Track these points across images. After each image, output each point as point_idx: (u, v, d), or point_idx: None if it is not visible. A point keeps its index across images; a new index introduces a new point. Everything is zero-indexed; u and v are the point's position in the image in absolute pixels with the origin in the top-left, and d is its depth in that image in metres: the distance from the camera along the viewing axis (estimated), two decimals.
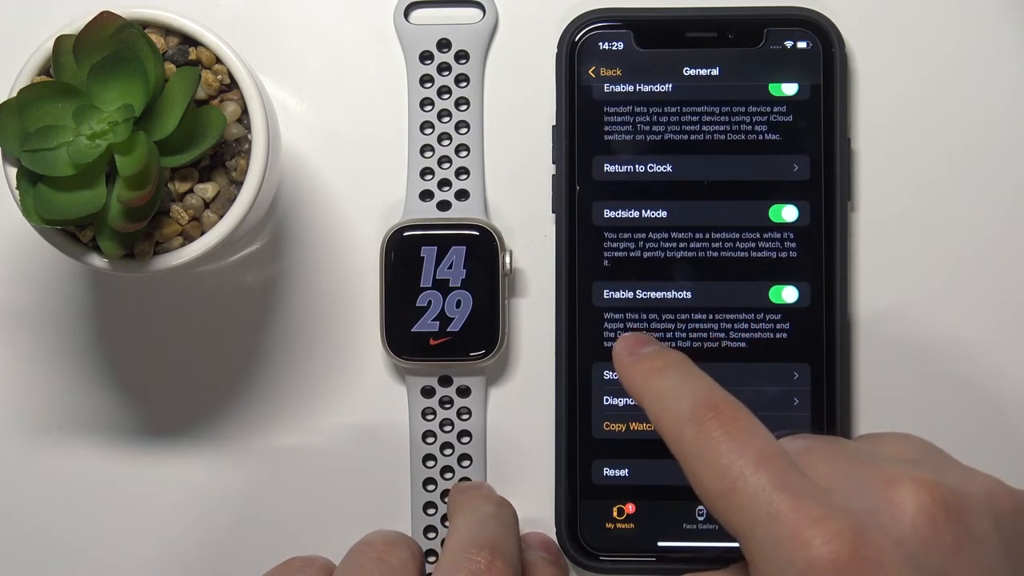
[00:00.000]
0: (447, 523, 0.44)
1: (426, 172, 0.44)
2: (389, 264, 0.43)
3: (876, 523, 0.31)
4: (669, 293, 0.43)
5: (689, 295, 0.43)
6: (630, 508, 0.43)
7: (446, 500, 0.43)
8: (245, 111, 0.39)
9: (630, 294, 0.43)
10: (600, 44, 0.44)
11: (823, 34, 0.43)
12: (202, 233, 0.39)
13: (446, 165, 0.44)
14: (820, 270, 0.43)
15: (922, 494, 0.32)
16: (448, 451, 0.44)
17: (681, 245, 0.43)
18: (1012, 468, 0.40)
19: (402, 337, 0.43)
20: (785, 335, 0.43)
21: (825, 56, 0.43)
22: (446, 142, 0.44)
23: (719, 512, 0.33)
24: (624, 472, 0.43)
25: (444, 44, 0.44)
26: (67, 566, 0.45)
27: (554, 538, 0.43)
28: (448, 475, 0.44)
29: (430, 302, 0.43)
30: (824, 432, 0.43)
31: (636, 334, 0.38)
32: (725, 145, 0.43)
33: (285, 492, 0.45)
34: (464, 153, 0.44)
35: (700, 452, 0.33)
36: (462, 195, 0.44)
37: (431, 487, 0.44)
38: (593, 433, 0.43)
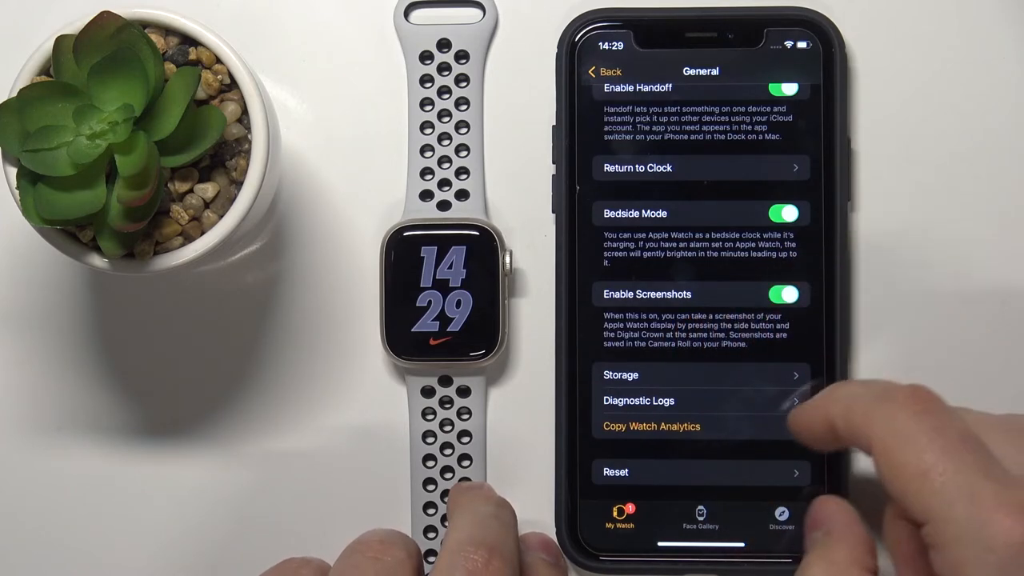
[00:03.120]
0: (447, 523, 0.43)
1: (426, 172, 0.44)
2: (389, 264, 0.43)
3: None
4: (669, 293, 0.43)
5: (689, 295, 0.43)
6: (630, 508, 0.43)
7: (446, 500, 0.43)
8: (245, 111, 0.39)
9: (630, 294, 0.43)
10: (600, 44, 0.44)
11: (823, 34, 0.43)
12: (202, 233, 0.39)
13: (446, 165, 0.44)
14: (820, 270, 0.43)
15: None
16: (448, 451, 0.44)
17: (681, 245, 0.43)
18: None
19: (402, 337, 0.43)
20: (785, 335, 0.43)
21: (825, 56, 0.43)
22: (446, 142, 0.44)
23: (910, 493, 0.32)
24: (624, 472, 0.43)
25: (444, 44, 0.44)
26: (67, 566, 0.45)
27: (554, 538, 0.43)
28: (448, 475, 0.44)
29: (430, 302, 0.43)
30: None
31: None
32: (725, 145, 0.43)
33: (285, 492, 0.45)
34: (464, 153, 0.44)
35: (897, 429, 0.33)
36: (462, 195, 0.44)
37: (431, 487, 0.44)
38: (593, 433, 0.43)
